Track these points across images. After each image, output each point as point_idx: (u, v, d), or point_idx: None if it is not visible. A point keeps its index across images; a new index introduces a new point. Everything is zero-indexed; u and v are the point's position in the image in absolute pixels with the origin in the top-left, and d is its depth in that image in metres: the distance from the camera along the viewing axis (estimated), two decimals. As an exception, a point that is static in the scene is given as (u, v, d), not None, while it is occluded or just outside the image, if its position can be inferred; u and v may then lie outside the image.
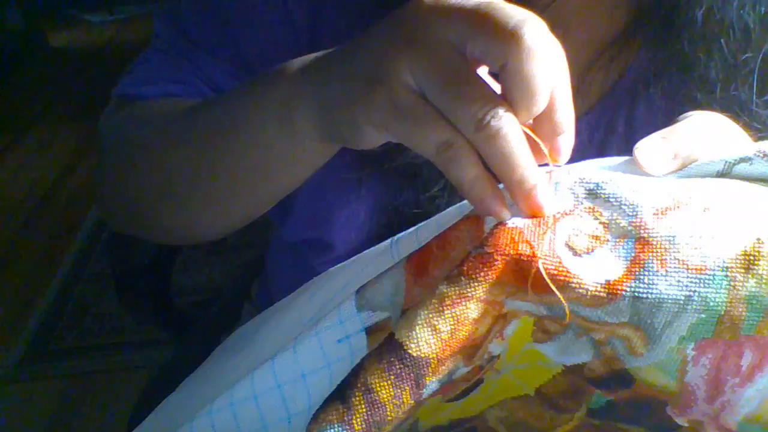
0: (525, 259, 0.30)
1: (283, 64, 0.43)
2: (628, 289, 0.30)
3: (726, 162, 0.33)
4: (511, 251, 0.30)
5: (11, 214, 2.24)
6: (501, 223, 0.31)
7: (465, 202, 0.35)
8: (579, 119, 0.54)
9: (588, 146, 0.54)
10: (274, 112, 0.42)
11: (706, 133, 0.34)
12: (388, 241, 0.38)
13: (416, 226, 0.37)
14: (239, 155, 0.46)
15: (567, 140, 0.34)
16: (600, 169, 0.33)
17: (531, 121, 0.34)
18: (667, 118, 0.51)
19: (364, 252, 0.39)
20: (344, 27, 0.54)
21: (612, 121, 0.54)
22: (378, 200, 0.55)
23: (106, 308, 1.82)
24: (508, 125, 0.31)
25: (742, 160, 0.33)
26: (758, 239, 0.30)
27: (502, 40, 0.32)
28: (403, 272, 0.33)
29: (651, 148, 0.33)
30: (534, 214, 0.31)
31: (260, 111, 0.43)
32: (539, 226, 0.31)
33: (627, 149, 0.43)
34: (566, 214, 0.31)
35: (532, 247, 0.30)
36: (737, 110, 0.49)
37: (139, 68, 0.60)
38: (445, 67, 0.33)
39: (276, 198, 0.50)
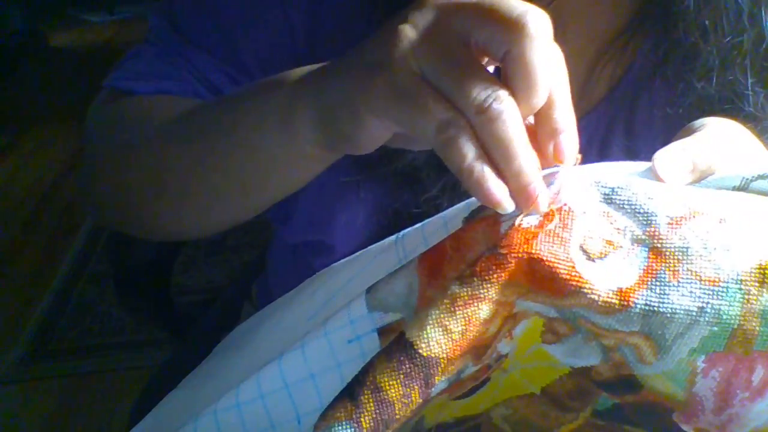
0: (538, 259, 0.30)
1: (285, 72, 0.43)
2: (640, 298, 0.30)
3: (744, 178, 0.33)
4: (524, 252, 0.30)
5: (11, 214, 2.23)
6: (516, 224, 0.31)
7: (472, 199, 0.34)
8: (583, 117, 0.55)
9: (591, 142, 0.54)
10: (274, 117, 0.42)
11: (725, 144, 0.34)
12: (393, 237, 0.37)
13: (422, 222, 0.37)
14: (236, 158, 0.46)
15: (569, 140, 0.34)
16: (616, 174, 0.33)
17: (532, 121, 0.34)
18: (667, 114, 0.51)
19: (369, 248, 0.39)
20: (341, 30, 0.53)
21: (614, 118, 0.54)
22: (377, 203, 0.55)
23: (106, 308, 1.82)
24: (509, 109, 0.32)
25: (761, 177, 0.32)
26: None
27: (506, 27, 0.32)
28: (416, 273, 0.33)
29: (670, 158, 0.33)
30: (526, 207, 0.31)
31: (260, 115, 0.43)
32: (554, 226, 0.31)
33: (628, 146, 0.43)
34: (583, 214, 0.31)
35: (546, 249, 0.30)
36: (733, 96, 0.49)
37: (132, 62, 0.59)
38: (449, 51, 0.33)
39: (271, 202, 0.50)
